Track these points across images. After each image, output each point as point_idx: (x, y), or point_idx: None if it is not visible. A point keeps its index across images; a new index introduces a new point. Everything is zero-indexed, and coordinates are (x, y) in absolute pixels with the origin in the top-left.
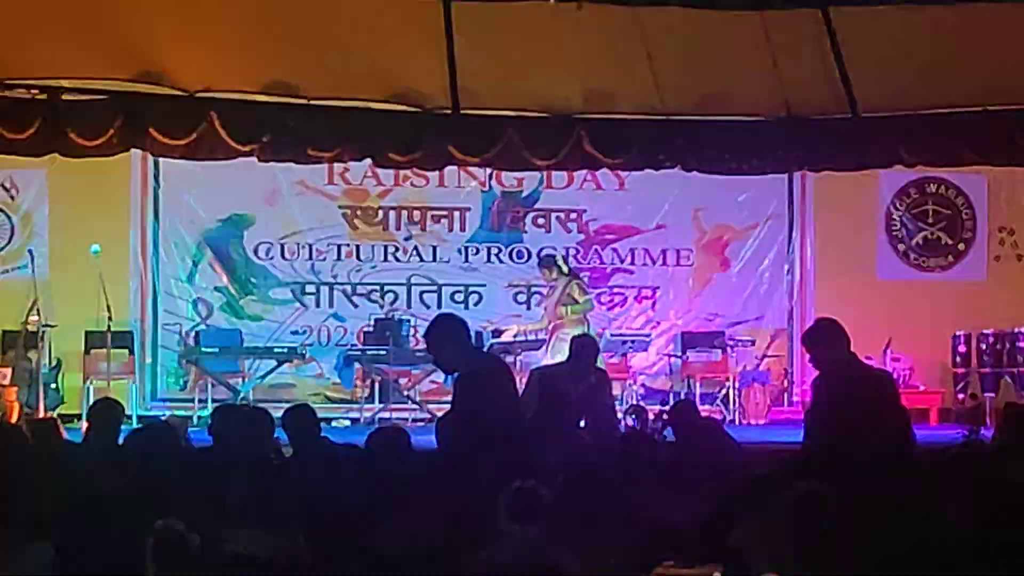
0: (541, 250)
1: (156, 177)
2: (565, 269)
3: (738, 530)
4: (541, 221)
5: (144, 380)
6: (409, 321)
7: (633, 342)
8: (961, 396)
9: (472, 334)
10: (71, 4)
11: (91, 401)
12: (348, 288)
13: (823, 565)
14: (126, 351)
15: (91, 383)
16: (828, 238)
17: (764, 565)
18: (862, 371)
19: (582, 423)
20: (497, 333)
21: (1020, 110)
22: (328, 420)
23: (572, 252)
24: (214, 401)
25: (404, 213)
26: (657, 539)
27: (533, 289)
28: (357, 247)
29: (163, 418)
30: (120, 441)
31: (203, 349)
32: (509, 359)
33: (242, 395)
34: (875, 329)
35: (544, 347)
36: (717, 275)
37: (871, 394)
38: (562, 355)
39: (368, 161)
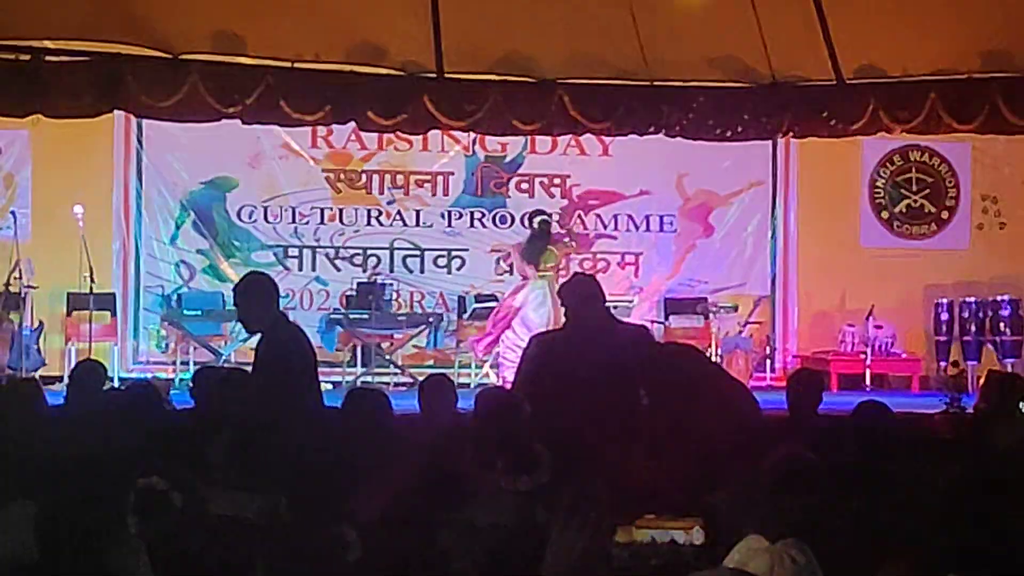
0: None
1: (139, 139)
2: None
3: (720, 490)
4: (524, 186)
5: (126, 342)
6: (392, 285)
7: (616, 307)
8: (943, 364)
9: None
10: None
11: (73, 363)
12: (331, 252)
13: (805, 528)
14: (108, 313)
15: (73, 345)
16: (812, 205)
17: (746, 525)
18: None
19: None
20: (481, 297)
21: (1005, 78)
22: None
23: (555, 217)
24: (196, 364)
25: (387, 177)
26: (641, 496)
27: None
28: (340, 211)
29: (145, 379)
30: (102, 402)
31: (185, 311)
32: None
33: (224, 357)
34: (858, 296)
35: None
36: (700, 241)
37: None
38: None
39: (352, 124)
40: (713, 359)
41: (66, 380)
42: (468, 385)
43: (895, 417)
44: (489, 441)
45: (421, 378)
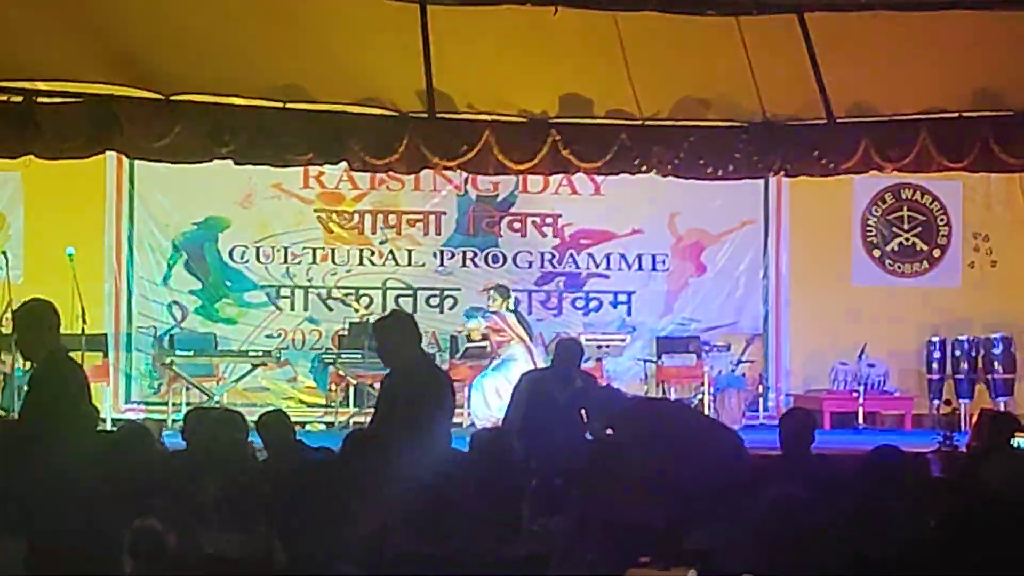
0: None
1: (131, 179)
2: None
3: (709, 532)
4: (516, 225)
5: (118, 383)
6: None
7: (608, 347)
8: (936, 402)
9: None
10: (47, 6)
11: None
12: (323, 291)
13: (798, 568)
14: (100, 354)
15: None
16: (803, 243)
17: (738, 567)
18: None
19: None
20: (472, 338)
21: (995, 116)
22: (303, 424)
23: (548, 257)
24: (188, 404)
25: (379, 217)
26: (632, 539)
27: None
28: (332, 250)
29: (138, 421)
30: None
31: (177, 352)
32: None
33: (216, 398)
34: (850, 335)
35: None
36: (692, 280)
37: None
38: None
39: (343, 164)
40: (705, 398)
41: None
42: (460, 424)
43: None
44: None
45: None
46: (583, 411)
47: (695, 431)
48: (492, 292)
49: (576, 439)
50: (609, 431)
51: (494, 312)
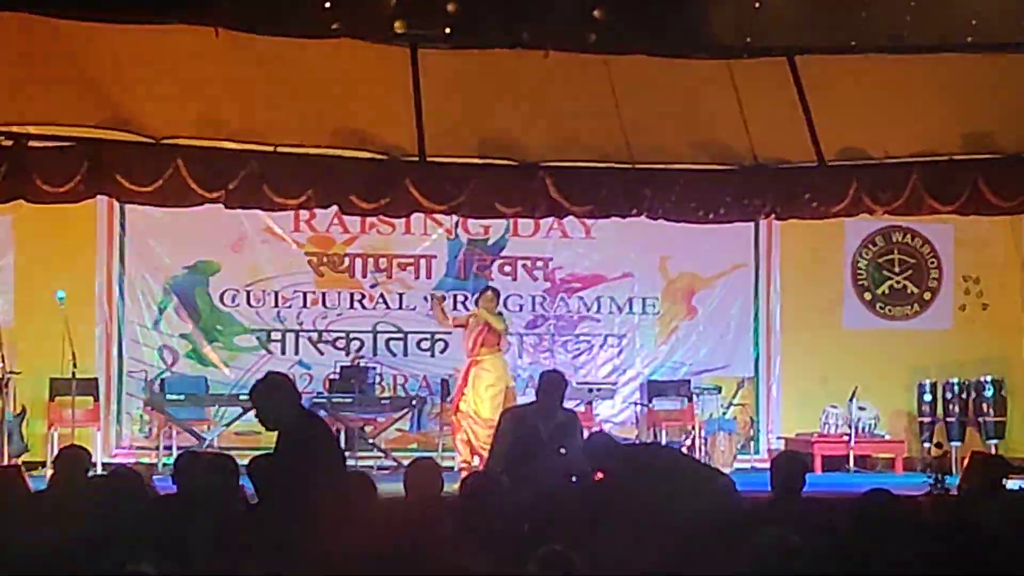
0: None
1: (122, 224)
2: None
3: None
4: (507, 269)
5: (109, 427)
6: (375, 368)
7: (599, 390)
8: (927, 445)
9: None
10: (38, 51)
11: (55, 449)
12: (314, 335)
13: None
14: (91, 398)
15: (56, 430)
16: (794, 286)
17: None
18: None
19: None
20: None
21: (986, 159)
22: None
23: (538, 300)
24: (179, 448)
25: (370, 260)
26: None
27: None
28: (323, 294)
29: (128, 465)
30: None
31: (168, 396)
32: None
33: (207, 442)
34: (841, 378)
35: (463, 384)
36: (683, 323)
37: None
38: (483, 391)
39: (334, 208)
40: (697, 441)
41: (50, 465)
42: (452, 468)
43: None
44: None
45: (405, 461)
46: (562, 448)
47: (688, 476)
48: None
49: (558, 477)
50: (599, 475)
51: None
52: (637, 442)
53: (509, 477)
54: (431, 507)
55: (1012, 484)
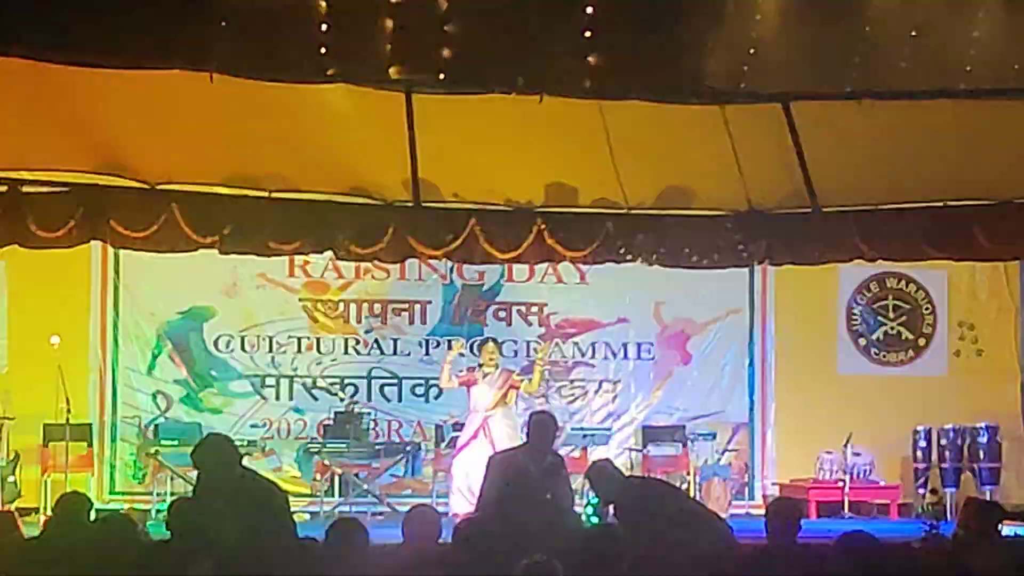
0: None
1: (116, 269)
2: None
3: None
4: (502, 314)
5: (103, 473)
6: (369, 414)
7: (594, 436)
8: (922, 491)
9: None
10: (33, 96)
11: (50, 494)
12: (308, 381)
13: None
14: (84, 444)
15: (49, 476)
16: (789, 332)
17: None
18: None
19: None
20: (459, 426)
21: (979, 205)
22: None
23: (533, 346)
24: (173, 494)
25: (365, 306)
26: None
27: None
28: (317, 340)
29: (122, 510)
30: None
31: (162, 442)
32: None
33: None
34: (836, 424)
35: (471, 440)
36: (678, 369)
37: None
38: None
39: (329, 253)
40: (691, 487)
41: (48, 510)
42: (446, 514)
43: (880, 547)
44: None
45: (400, 507)
46: (551, 492)
47: (690, 518)
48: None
49: (550, 518)
50: (611, 509)
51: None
52: (645, 477)
53: (499, 521)
54: (429, 554)
55: (1007, 530)
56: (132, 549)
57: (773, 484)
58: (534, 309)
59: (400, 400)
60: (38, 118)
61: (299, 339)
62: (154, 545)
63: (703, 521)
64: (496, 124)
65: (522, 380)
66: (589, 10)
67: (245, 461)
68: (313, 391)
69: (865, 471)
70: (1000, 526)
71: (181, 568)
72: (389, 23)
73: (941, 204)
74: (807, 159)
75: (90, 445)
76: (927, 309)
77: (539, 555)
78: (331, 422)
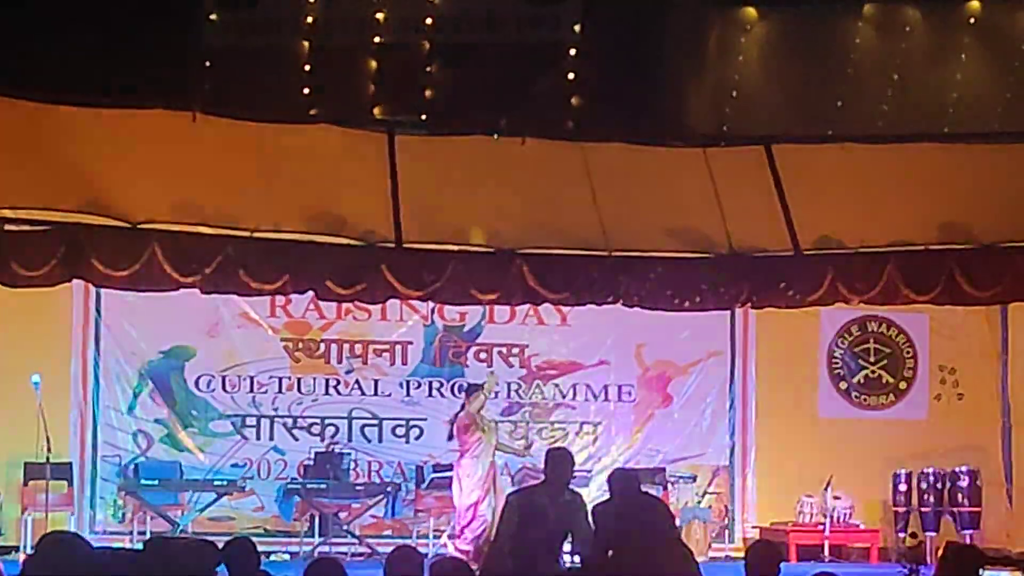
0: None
1: (98, 308)
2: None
3: None
4: (483, 356)
5: (83, 512)
6: (350, 454)
7: (574, 478)
8: (902, 535)
9: None
10: (15, 135)
11: (30, 533)
12: (289, 421)
13: None
14: (65, 483)
15: (30, 515)
16: (770, 375)
17: None
18: None
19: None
20: (439, 467)
21: (961, 249)
22: (267, 554)
23: (514, 387)
24: (153, 533)
25: (346, 346)
26: None
27: None
28: (298, 380)
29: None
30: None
31: (142, 481)
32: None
33: (181, 527)
34: (816, 467)
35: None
36: (659, 411)
37: None
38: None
39: (310, 294)
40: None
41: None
42: (426, 555)
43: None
44: None
45: (379, 548)
46: (570, 529)
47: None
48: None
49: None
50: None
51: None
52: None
53: (516, 560)
54: None
55: (989, 575)
56: None
57: (753, 527)
58: (515, 350)
59: (380, 441)
60: (20, 156)
61: (280, 379)
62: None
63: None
64: (478, 165)
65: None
66: (572, 52)
67: (225, 500)
68: (294, 431)
69: (845, 515)
70: (980, 570)
71: None
72: (372, 64)
73: (922, 248)
74: (789, 202)
75: (70, 484)
76: (908, 353)
77: None
78: (311, 462)
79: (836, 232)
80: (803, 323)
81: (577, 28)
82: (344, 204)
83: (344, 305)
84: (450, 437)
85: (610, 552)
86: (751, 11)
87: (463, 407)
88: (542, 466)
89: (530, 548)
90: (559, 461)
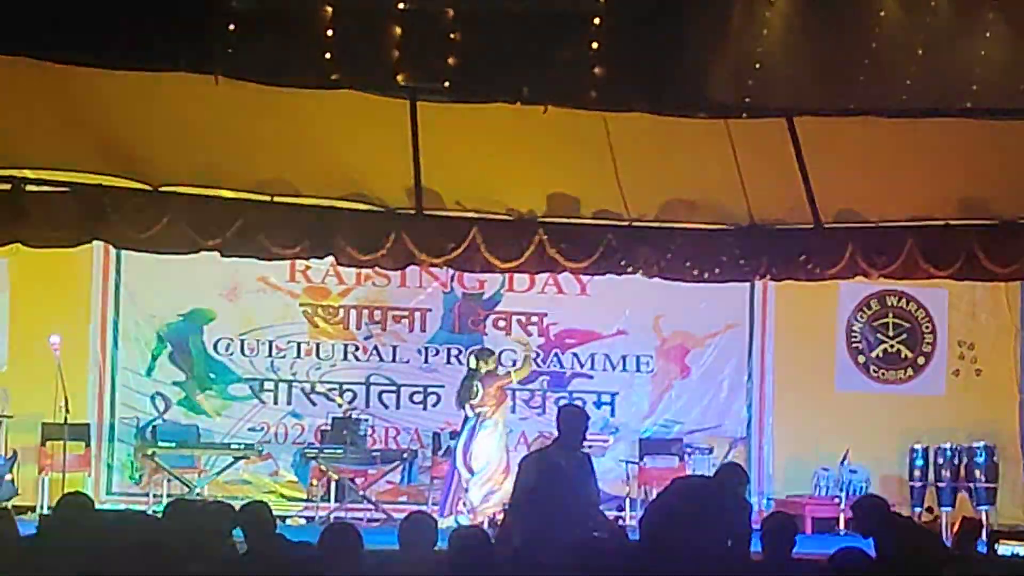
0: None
1: (117, 270)
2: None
3: None
4: (502, 324)
5: (100, 473)
6: (367, 421)
7: (591, 447)
8: (917, 510)
9: None
10: (37, 96)
11: (46, 493)
12: (307, 386)
13: None
14: (82, 444)
15: (47, 475)
16: (788, 348)
17: None
18: None
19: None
20: (456, 434)
21: (982, 225)
22: (283, 518)
23: (533, 356)
24: (169, 496)
25: (365, 312)
26: None
27: None
28: (317, 345)
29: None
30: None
31: (160, 443)
32: None
33: (197, 491)
34: (833, 440)
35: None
36: (677, 382)
37: None
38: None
39: (330, 259)
40: None
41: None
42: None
43: (874, 564)
44: None
45: (395, 514)
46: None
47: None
48: (473, 357)
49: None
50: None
51: (488, 374)
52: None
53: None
54: (425, 562)
55: (1004, 549)
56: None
57: (769, 499)
58: (534, 319)
59: (398, 407)
60: (42, 117)
61: (298, 344)
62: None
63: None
64: (500, 133)
65: (509, 372)
66: (596, 21)
67: (241, 464)
68: (311, 396)
69: (861, 488)
70: (996, 546)
71: (180, 567)
72: (395, 30)
73: (943, 223)
74: (810, 174)
75: (88, 445)
76: (927, 328)
77: None
78: (328, 427)
79: (857, 206)
80: (822, 296)
81: None
82: (365, 170)
83: (363, 271)
84: (461, 404)
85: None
86: None
87: (499, 370)
88: (555, 423)
89: (551, 509)
90: (571, 418)
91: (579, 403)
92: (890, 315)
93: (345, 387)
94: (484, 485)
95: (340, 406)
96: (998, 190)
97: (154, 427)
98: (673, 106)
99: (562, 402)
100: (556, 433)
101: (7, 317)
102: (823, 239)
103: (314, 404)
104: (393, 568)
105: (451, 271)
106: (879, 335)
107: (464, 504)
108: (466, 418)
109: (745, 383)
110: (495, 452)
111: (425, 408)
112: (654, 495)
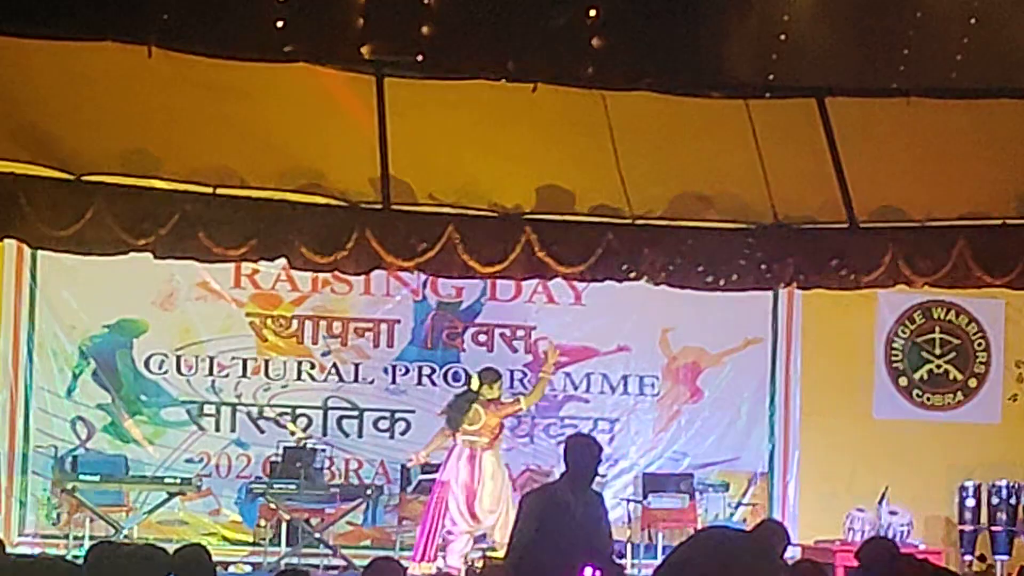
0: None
1: (33, 273)
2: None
3: None
4: (483, 338)
5: (11, 512)
6: (324, 451)
7: (601, 477)
8: (968, 558)
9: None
10: None
11: None
12: (254, 410)
13: None
14: None
15: None
16: (818, 368)
17: None
18: None
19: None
20: (428, 468)
21: None
22: (226, 564)
23: (518, 376)
24: (92, 538)
25: (322, 324)
26: None
27: None
28: (266, 362)
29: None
30: None
31: (81, 476)
32: None
33: (125, 532)
34: (870, 476)
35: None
36: (687, 407)
37: None
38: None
39: (281, 261)
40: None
41: None
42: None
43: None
44: None
45: (357, 561)
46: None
47: None
48: (477, 378)
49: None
50: None
51: (491, 400)
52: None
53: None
54: None
55: None
56: None
57: (795, 545)
58: (520, 333)
59: (360, 435)
60: None
61: (244, 361)
62: None
63: None
64: (481, 116)
65: (517, 399)
66: None
67: (177, 501)
68: (259, 422)
69: (902, 533)
70: None
71: None
72: None
73: (999, 222)
74: (844, 166)
75: None
76: (980, 345)
77: None
78: (279, 459)
79: (899, 202)
80: (858, 308)
81: None
82: (323, 158)
83: (321, 276)
84: (454, 428)
85: None
86: None
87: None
88: (562, 456)
89: (557, 557)
90: (583, 451)
91: (587, 431)
92: (937, 330)
93: (299, 412)
94: (480, 533)
95: (293, 434)
96: None
97: (75, 457)
98: (684, 84)
99: (553, 431)
100: (563, 467)
101: None
102: (859, 241)
103: (262, 431)
104: None
105: (423, 276)
106: (924, 353)
107: (441, 551)
108: (453, 447)
109: (767, 409)
110: (504, 497)
111: (392, 436)
112: (659, 539)
